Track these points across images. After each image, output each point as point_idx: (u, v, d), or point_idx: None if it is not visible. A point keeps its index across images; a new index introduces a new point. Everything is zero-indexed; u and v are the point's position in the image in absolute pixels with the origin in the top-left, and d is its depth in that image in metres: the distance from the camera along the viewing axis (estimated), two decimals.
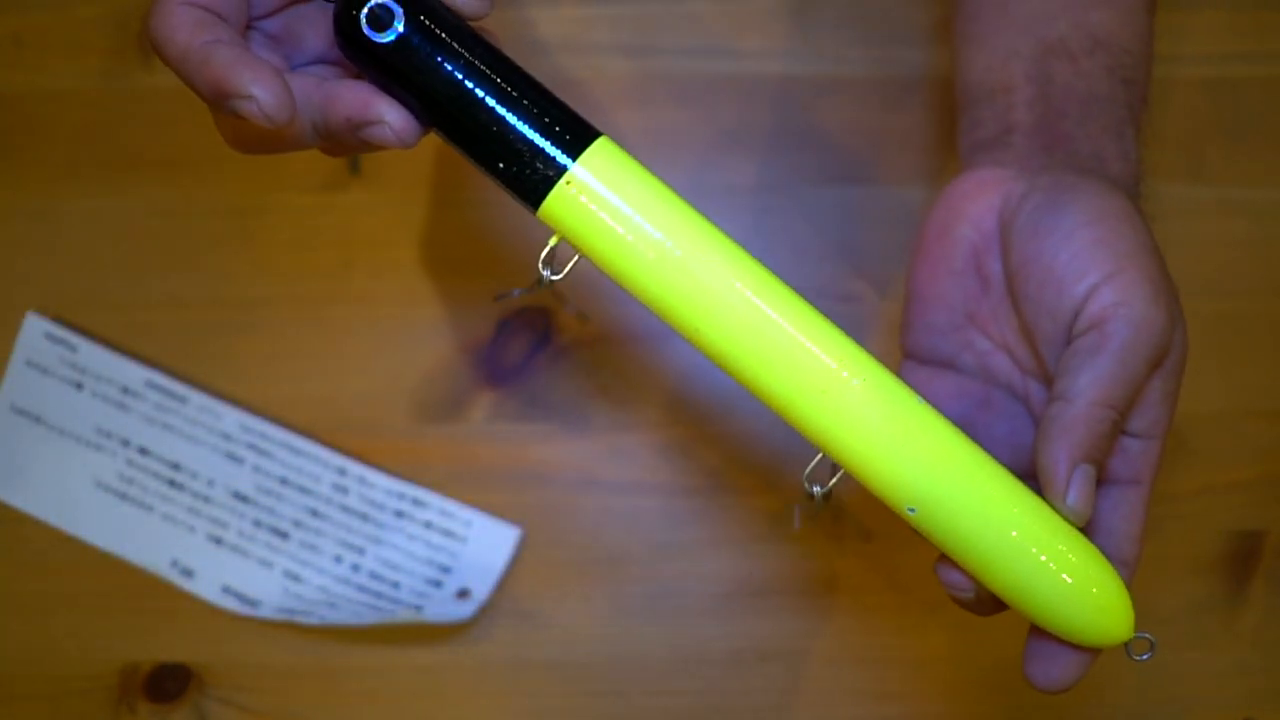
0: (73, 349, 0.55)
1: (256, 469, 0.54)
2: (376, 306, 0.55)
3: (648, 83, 0.56)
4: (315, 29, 0.37)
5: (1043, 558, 0.34)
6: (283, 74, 0.33)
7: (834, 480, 0.37)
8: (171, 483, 0.54)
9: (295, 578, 0.54)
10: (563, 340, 0.55)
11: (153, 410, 0.54)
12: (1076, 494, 0.35)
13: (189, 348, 0.55)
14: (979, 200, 0.40)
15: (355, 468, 0.54)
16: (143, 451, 0.54)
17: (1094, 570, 0.35)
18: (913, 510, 0.35)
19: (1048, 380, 0.38)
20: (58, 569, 0.54)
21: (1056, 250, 0.37)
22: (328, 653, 0.53)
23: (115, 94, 0.56)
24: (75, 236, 0.55)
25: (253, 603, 0.53)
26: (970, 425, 0.39)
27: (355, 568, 0.54)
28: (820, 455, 0.36)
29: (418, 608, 0.52)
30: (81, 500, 0.54)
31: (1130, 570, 0.37)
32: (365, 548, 0.54)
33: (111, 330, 0.55)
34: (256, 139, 0.35)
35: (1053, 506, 0.35)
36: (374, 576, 0.54)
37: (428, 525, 0.54)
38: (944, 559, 0.37)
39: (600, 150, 0.34)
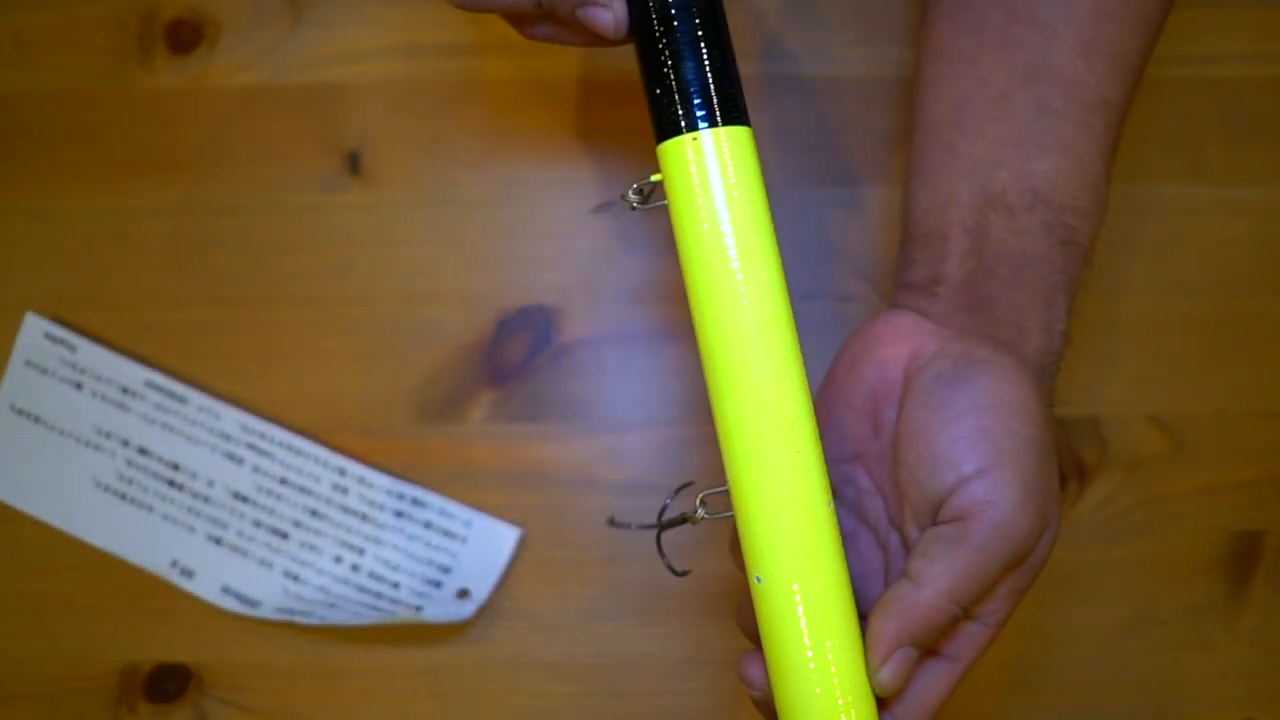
0: (72, 349, 0.55)
1: (256, 469, 0.54)
2: (376, 306, 0.55)
3: None
4: None
5: (834, 705, 0.35)
6: None
7: (717, 516, 0.38)
8: (171, 483, 0.54)
9: (295, 578, 0.54)
10: (563, 340, 0.55)
11: (152, 410, 0.54)
12: (890, 674, 0.35)
13: (189, 348, 0.55)
14: (889, 347, 0.40)
15: (355, 468, 0.54)
16: (142, 451, 0.54)
17: None
18: (759, 580, 0.36)
19: (905, 541, 0.38)
20: (58, 569, 0.54)
21: (940, 429, 0.37)
22: (328, 653, 0.53)
23: (115, 94, 0.56)
24: (75, 236, 0.56)
25: (252, 603, 0.53)
26: None
27: (355, 568, 0.54)
28: (726, 487, 0.37)
29: (418, 608, 0.52)
30: (81, 500, 0.54)
31: None
32: (365, 548, 0.54)
33: (111, 330, 0.55)
34: None
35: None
36: (374, 576, 0.54)
37: (427, 525, 0.54)
38: (752, 655, 0.38)
39: (734, 136, 0.36)
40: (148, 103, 0.56)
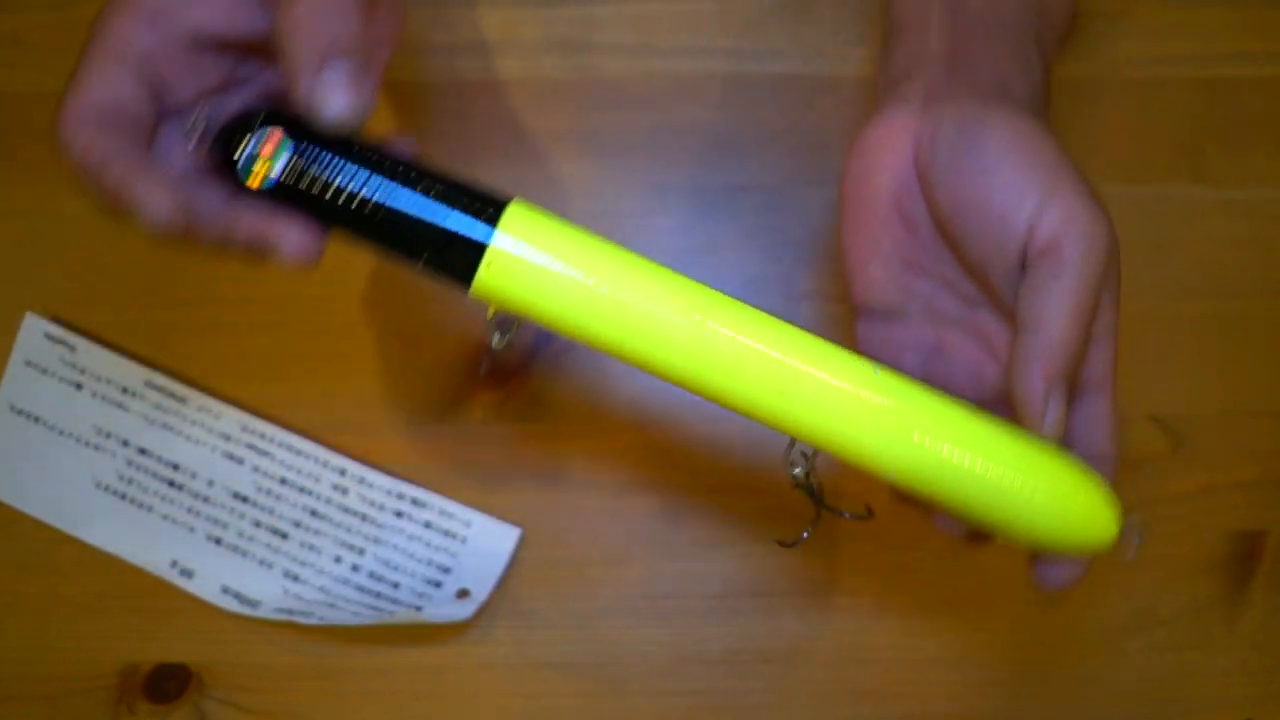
0: (72, 349, 0.55)
1: (256, 469, 0.54)
2: (376, 306, 0.55)
3: (648, 83, 0.56)
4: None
5: (1023, 489, 0.36)
6: (183, 189, 0.34)
7: (812, 461, 0.38)
8: (171, 483, 0.54)
9: (295, 578, 0.53)
10: (563, 340, 0.55)
11: (152, 410, 0.54)
12: (1052, 418, 0.37)
13: (189, 348, 0.55)
14: (890, 148, 0.40)
15: (355, 468, 0.54)
16: (142, 451, 0.54)
17: (1072, 485, 0.37)
18: (892, 475, 0.36)
19: (1002, 309, 0.39)
20: (57, 569, 0.54)
21: (987, 186, 0.38)
22: (328, 653, 0.53)
23: None
24: (75, 236, 0.55)
25: (252, 603, 0.53)
26: (929, 374, 0.41)
27: (355, 568, 0.54)
28: (791, 442, 0.37)
29: (418, 608, 0.52)
30: (81, 500, 0.54)
31: (1113, 464, 0.39)
32: (365, 548, 0.54)
33: (111, 330, 0.55)
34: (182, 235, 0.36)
35: (1029, 429, 0.37)
36: (374, 577, 0.54)
37: (428, 525, 0.54)
38: (936, 517, 0.39)
39: (515, 215, 0.35)
40: None
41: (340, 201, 0.34)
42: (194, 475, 0.54)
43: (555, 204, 0.55)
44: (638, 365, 0.36)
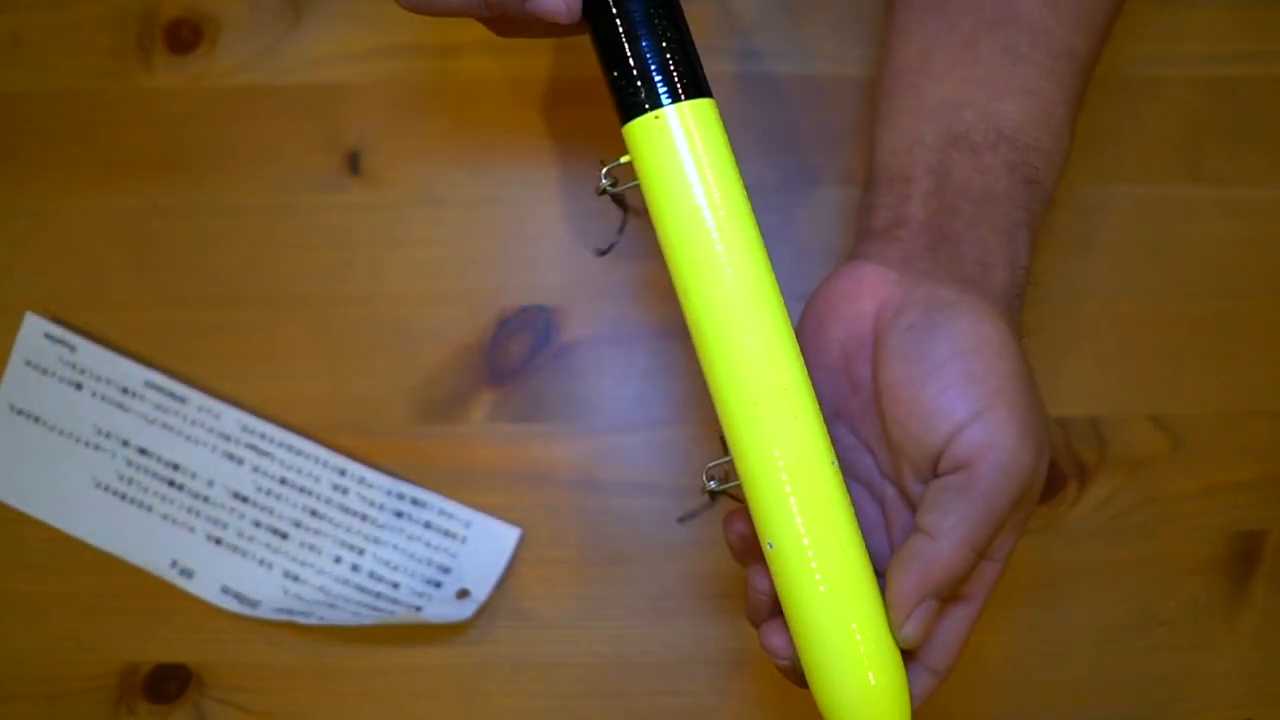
0: (72, 349, 0.55)
1: (256, 469, 0.54)
2: (376, 306, 0.55)
3: None
4: None
5: (860, 660, 0.36)
6: None
7: (726, 487, 0.38)
8: (171, 483, 0.54)
9: (295, 578, 0.53)
10: (563, 340, 0.55)
11: (152, 410, 0.54)
12: (914, 628, 0.36)
13: (189, 348, 0.55)
14: (855, 303, 0.40)
15: (355, 468, 0.54)
16: (142, 451, 0.54)
17: (893, 694, 0.36)
18: (770, 546, 0.36)
19: (904, 493, 0.38)
20: (57, 569, 0.54)
21: (925, 381, 0.37)
22: (328, 653, 0.53)
23: (115, 94, 0.56)
24: (75, 236, 0.55)
25: (252, 603, 0.53)
26: None
27: (355, 568, 0.54)
28: (729, 459, 0.37)
29: (417, 608, 0.52)
30: (81, 500, 0.54)
31: (940, 678, 0.38)
32: (365, 548, 0.54)
33: (111, 330, 0.55)
34: None
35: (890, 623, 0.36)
36: (374, 577, 0.54)
37: (427, 525, 0.54)
38: (771, 625, 0.38)
39: (698, 109, 0.36)
40: (148, 103, 0.56)
41: None
42: (194, 475, 0.54)
43: (555, 203, 0.56)
44: (677, 286, 0.37)
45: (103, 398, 0.54)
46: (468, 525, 0.54)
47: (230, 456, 0.54)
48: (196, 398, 0.54)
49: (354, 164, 0.56)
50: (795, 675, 0.38)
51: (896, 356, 0.38)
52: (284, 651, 0.53)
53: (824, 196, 0.56)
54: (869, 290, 0.40)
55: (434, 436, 0.55)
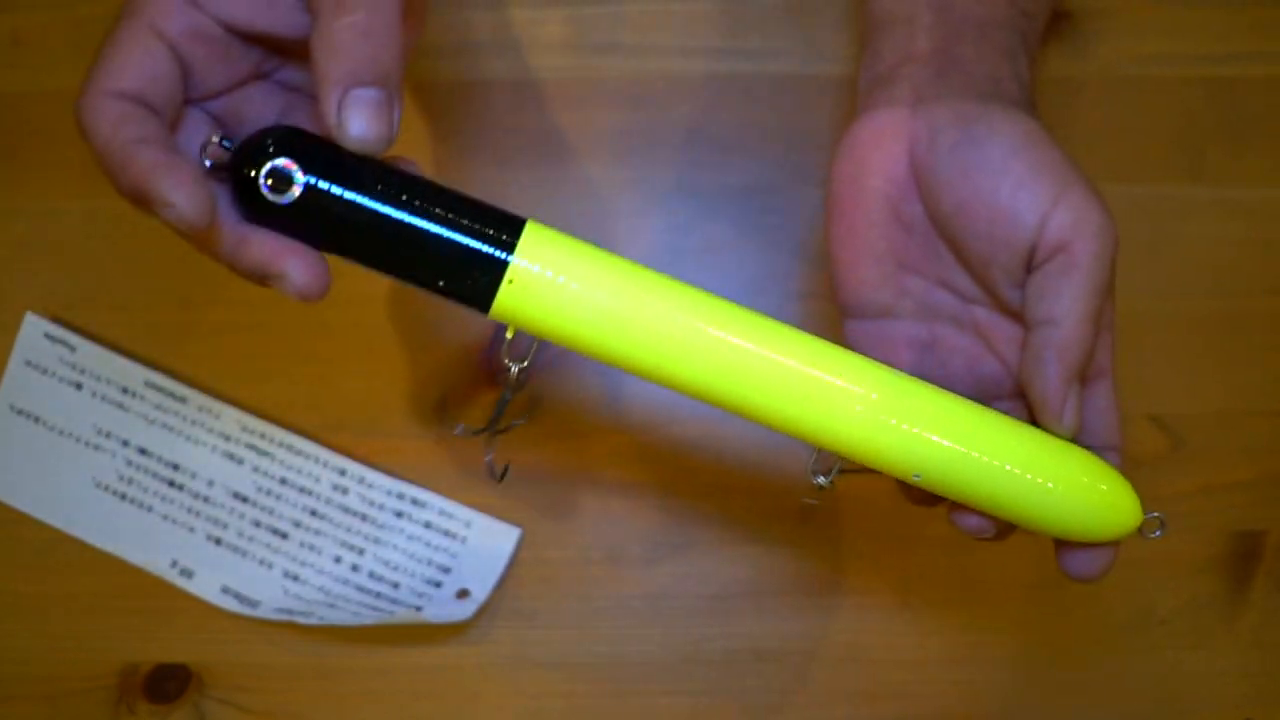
0: (72, 349, 0.55)
1: (256, 469, 0.54)
2: (376, 306, 0.55)
3: (648, 83, 0.56)
4: (261, 109, 0.37)
5: (1044, 482, 0.37)
6: (205, 180, 0.33)
7: (835, 471, 0.38)
8: (171, 483, 0.54)
9: (295, 578, 0.53)
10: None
11: (152, 410, 0.54)
12: (1070, 414, 0.37)
13: (189, 348, 0.55)
14: (883, 149, 0.40)
15: (355, 468, 0.54)
16: (142, 451, 0.54)
17: (1092, 476, 0.37)
18: (917, 476, 0.37)
19: (1001, 306, 0.39)
20: (57, 569, 0.54)
21: (995, 186, 0.38)
22: (328, 653, 0.53)
23: None
24: (75, 236, 0.55)
25: (252, 603, 0.53)
26: (924, 369, 0.41)
27: (355, 568, 0.54)
28: (816, 451, 0.38)
29: (418, 608, 0.52)
30: (81, 500, 0.54)
31: (1120, 454, 0.40)
32: (365, 548, 0.54)
33: (111, 330, 0.55)
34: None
35: (1044, 426, 0.38)
36: (374, 577, 0.54)
37: (427, 525, 0.54)
38: (956, 507, 0.39)
39: (532, 236, 0.35)
40: None
41: (353, 230, 0.34)
42: (194, 475, 0.54)
43: (555, 203, 0.56)
44: (660, 381, 0.36)
45: (103, 398, 0.54)
46: (468, 525, 0.54)
47: (230, 456, 0.54)
48: (196, 398, 0.54)
49: None
50: (1001, 535, 0.39)
51: (955, 175, 0.38)
52: (284, 651, 0.53)
53: (823, 197, 0.56)
54: (891, 132, 0.40)
55: (434, 436, 0.55)
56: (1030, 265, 0.38)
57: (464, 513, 0.54)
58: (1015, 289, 0.39)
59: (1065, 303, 0.37)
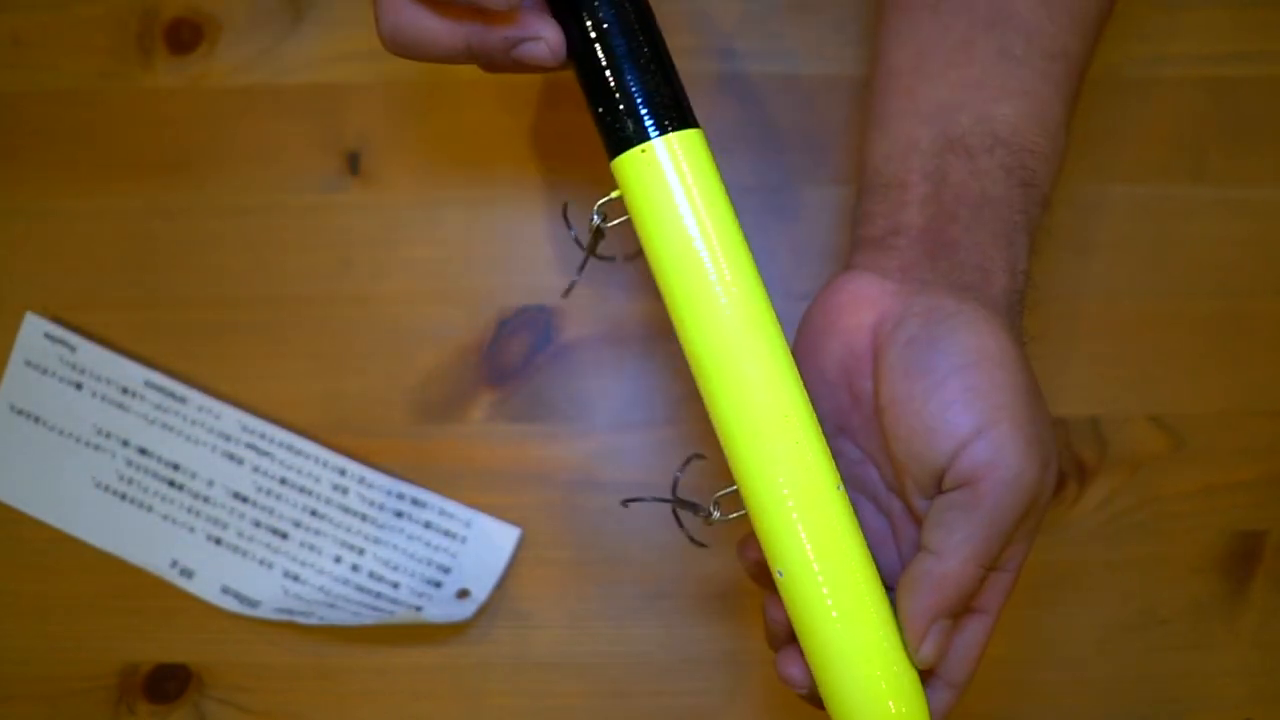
0: (72, 349, 0.55)
1: (256, 469, 0.54)
2: (376, 306, 0.55)
3: None
4: None
5: (878, 684, 0.36)
6: None
7: (732, 516, 0.38)
8: (171, 483, 0.54)
9: (295, 578, 0.53)
10: (563, 340, 0.55)
11: (152, 410, 0.54)
12: (930, 648, 0.36)
13: (189, 348, 0.55)
14: (853, 316, 0.39)
15: (355, 468, 0.54)
16: (142, 451, 0.54)
17: (905, 709, 0.36)
18: (780, 574, 0.36)
19: (909, 507, 0.38)
20: (57, 569, 0.54)
21: (927, 397, 0.36)
22: (328, 653, 0.53)
23: (115, 94, 0.56)
24: (75, 236, 0.55)
25: (252, 603, 0.53)
26: None
27: (355, 568, 0.54)
28: (733, 489, 0.37)
29: (418, 608, 0.52)
30: (81, 500, 0.54)
31: (957, 693, 0.38)
32: (365, 548, 0.54)
33: (111, 330, 0.55)
34: (415, 35, 0.36)
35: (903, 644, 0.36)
36: (374, 577, 0.54)
37: (427, 525, 0.54)
38: (787, 654, 0.38)
39: (686, 140, 0.36)
40: (148, 103, 0.56)
41: (590, 21, 0.36)
42: (194, 475, 0.54)
43: (555, 203, 0.56)
44: (673, 318, 0.36)
45: (103, 398, 0.54)
46: (468, 525, 0.54)
47: (230, 456, 0.54)
48: (196, 398, 0.54)
49: (354, 164, 0.56)
50: (815, 701, 0.38)
51: (897, 372, 0.37)
52: (284, 651, 0.53)
53: (823, 196, 0.56)
54: (867, 302, 0.39)
55: (434, 436, 0.55)
56: (940, 487, 0.36)
57: (464, 513, 0.54)
58: (923, 500, 0.37)
59: (956, 539, 0.35)
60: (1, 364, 0.55)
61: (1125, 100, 0.56)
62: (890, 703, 0.36)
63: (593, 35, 0.36)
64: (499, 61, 0.36)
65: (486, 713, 0.53)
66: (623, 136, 0.36)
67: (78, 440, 0.54)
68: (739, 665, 0.54)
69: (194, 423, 0.54)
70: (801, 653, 0.37)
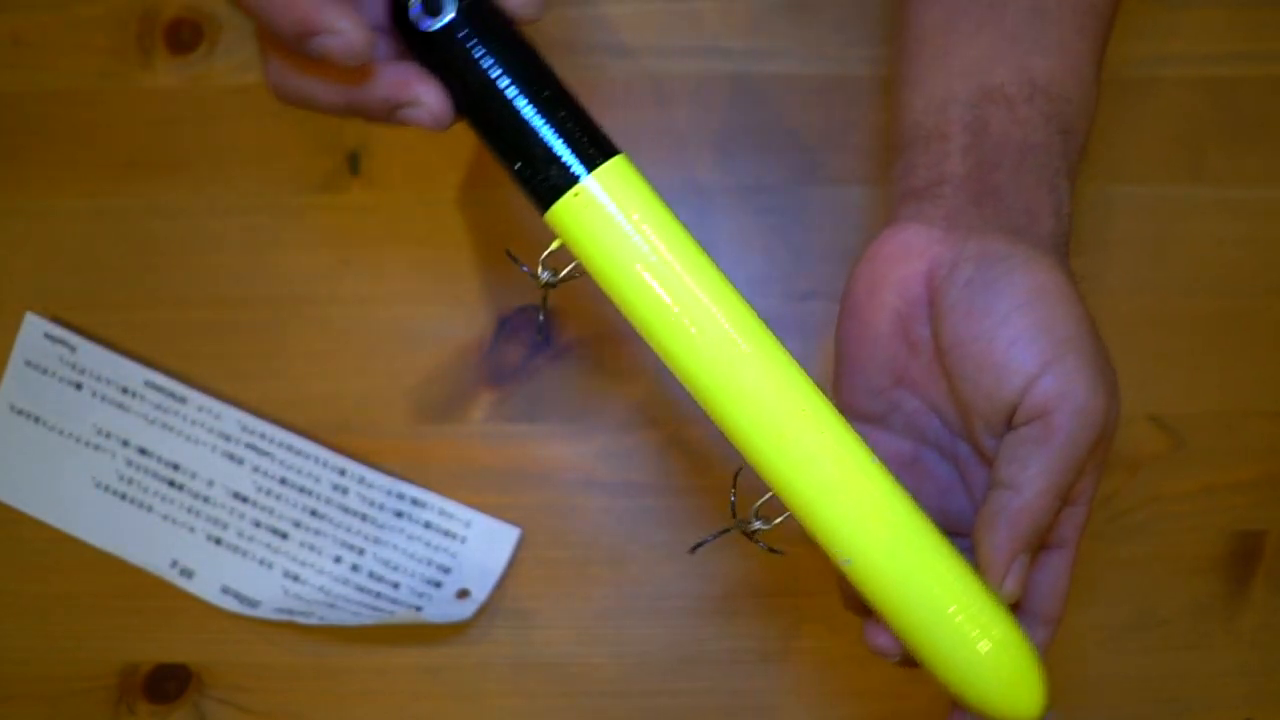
0: (72, 349, 0.55)
1: (256, 469, 0.54)
2: (376, 306, 0.55)
3: (648, 83, 0.56)
4: None
5: (961, 630, 0.35)
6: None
7: (776, 522, 0.38)
8: (171, 483, 0.54)
9: (295, 578, 0.54)
10: (563, 340, 0.55)
11: (152, 410, 0.54)
12: (1012, 583, 0.36)
13: (189, 348, 0.55)
14: (905, 266, 0.39)
15: (355, 468, 0.54)
16: (142, 451, 0.54)
17: (1009, 649, 0.36)
18: (847, 562, 0.36)
19: (977, 448, 0.39)
20: (57, 569, 0.54)
21: (993, 334, 0.37)
22: (328, 653, 0.53)
23: (115, 94, 0.56)
24: (75, 236, 0.55)
25: (252, 603, 0.53)
26: None
27: (355, 568, 0.54)
28: (770, 494, 0.37)
29: (418, 608, 0.52)
30: (81, 500, 0.54)
31: (1053, 628, 0.39)
32: (365, 548, 0.54)
33: (111, 330, 0.55)
34: (296, 90, 0.36)
35: (986, 583, 0.36)
36: (374, 577, 0.54)
37: (427, 525, 0.54)
38: (871, 627, 0.38)
39: (616, 168, 0.35)
40: (148, 103, 0.56)
41: (476, 78, 0.35)
42: (194, 475, 0.54)
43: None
44: (660, 353, 0.36)
45: (103, 398, 0.54)
46: (468, 525, 0.54)
47: (230, 456, 0.54)
48: (196, 398, 0.54)
49: (354, 164, 0.56)
50: (909, 663, 0.38)
51: (958, 314, 0.38)
52: (284, 651, 0.53)
53: (824, 196, 0.56)
54: (917, 251, 0.39)
55: (434, 436, 0.55)
56: (1010, 423, 0.37)
57: (464, 513, 0.54)
58: (993, 439, 0.38)
59: (1030, 472, 0.36)
60: (1, 364, 0.55)
61: (1126, 100, 0.56)
62: (982, 644, 0.35)
63: (484, 89, 0.35)
64: (383, 120, 0.36)
65: (486, 713, 0.53)
66: (550, 186, 0.35)
67: (78, 440, 0.54)
68: (739, 665, 0.54)
69: (194, 423, 0.54)
70: (881, 625, 0.37)
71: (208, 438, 0.54)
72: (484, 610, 0.53)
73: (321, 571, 0.54)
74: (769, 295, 0.55)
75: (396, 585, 0.53)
